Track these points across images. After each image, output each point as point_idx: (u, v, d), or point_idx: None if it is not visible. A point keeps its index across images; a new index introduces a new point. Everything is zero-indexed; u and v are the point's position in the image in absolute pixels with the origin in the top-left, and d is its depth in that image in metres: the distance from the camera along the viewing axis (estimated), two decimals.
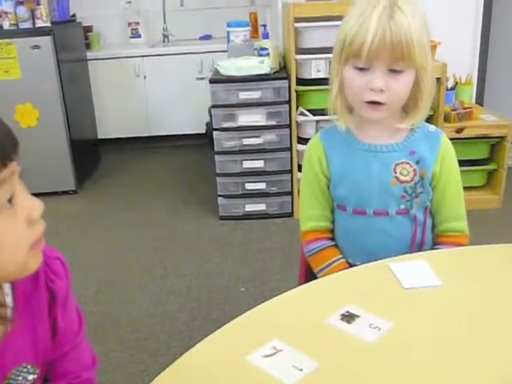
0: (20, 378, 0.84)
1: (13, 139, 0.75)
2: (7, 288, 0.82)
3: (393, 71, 1.19)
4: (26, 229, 0.74)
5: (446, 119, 3.13)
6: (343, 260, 1.37)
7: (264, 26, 4.23)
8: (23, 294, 0.83)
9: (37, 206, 0.76)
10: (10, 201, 0.72)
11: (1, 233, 0.71)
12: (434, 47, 2.97)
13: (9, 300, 0.82)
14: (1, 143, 0.72)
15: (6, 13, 3.61)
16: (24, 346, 0.84)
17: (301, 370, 0.84)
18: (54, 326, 0.88)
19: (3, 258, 0.72)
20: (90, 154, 4.43)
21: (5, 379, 0.82)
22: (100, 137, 4.65)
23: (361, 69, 1.21)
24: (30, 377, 0.85)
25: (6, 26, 3.64)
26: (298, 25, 2.94)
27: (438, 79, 2.95)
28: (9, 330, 0.82)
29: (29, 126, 3.69)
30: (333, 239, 1.41)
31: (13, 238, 0.72)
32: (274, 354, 0.88)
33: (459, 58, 3.43)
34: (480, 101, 3.69)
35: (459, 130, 3.11)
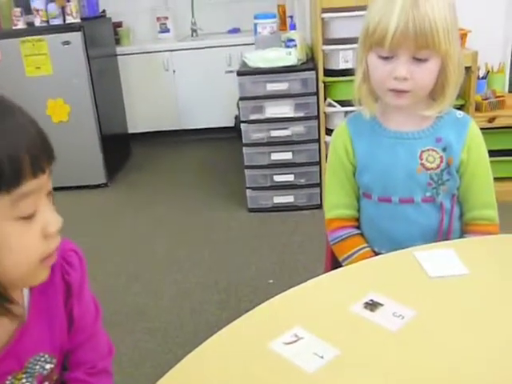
0: (37, 366, 0.85)
1: (48, 150, 0.74)
2: None
3: (417, 59, 1.17)
4: (39, 241, 0.74)
5: (478, 108, 3.06)
6: (368, 248, 1.36)
7: (291, 17, 4.20)
8: (39, 285, 0.84)
9: (55, 221, 0.75)
10: (31, 215, 0.72)
11: (13, 240, 0.71)
12: (464, 35, 2.92)
13: (25, 291, 0.84)
14: (35, 151, 0.71)
15: (38, 10, 3.68)
16: (41, 336, 0.85)
17: (322, 357, 0.84)
18: (70, 316, 0.89)
19: (12, 264, 0.72)
20: (121, 148, 4.48)
21: (22, 368, 0.83)
22: (130, 131, 4.69)
23: (385, 57, 1.19)
24: (47, 366, 0.86)
25: (38, 22, 3.71)
26: (325, 15, 2.91)
27: (469, 68, 2.89)
28: (25, 322, 0.83)
29: (60, 120, 3.74)
30: (358, 227, 1.40)
31: (24, 248, 0.72)
32: (295, 341, 0.87)
33: (491, 46, 3.34)
34: None
35: (491, 120, 3.04)
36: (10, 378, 0.82)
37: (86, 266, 0.92)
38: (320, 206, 3.25)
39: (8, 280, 0.74)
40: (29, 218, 0.72)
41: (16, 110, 0.74)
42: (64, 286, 0.87)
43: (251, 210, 3.32)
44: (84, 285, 0.92)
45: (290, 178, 3.25)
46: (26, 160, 0.70)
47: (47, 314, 0.86)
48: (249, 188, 3.30)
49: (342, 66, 2.98)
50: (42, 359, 0.85)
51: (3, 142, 0.69)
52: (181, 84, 4.63)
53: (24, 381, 0.84)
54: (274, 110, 3.13)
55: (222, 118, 4.61)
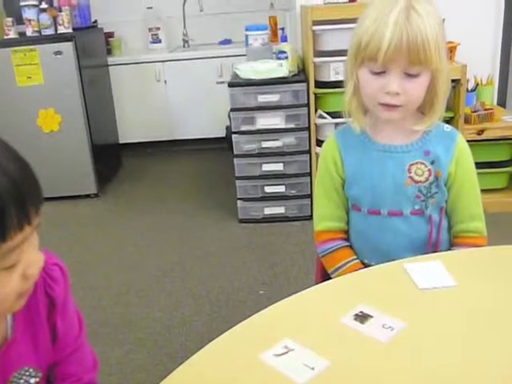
0: (22, 381, 0.84)
1: (36, 195, 0.67)
2: None
3: (409, 74, 1.19)
4: (18, 283, 0.70)
5: (467, 121, 3.09)
6: (357, 260, 1.37)
7: (282, 29, 4.23)
8: None
9: (37, 262, 0.72)
10: (14, 264, 0.68)
11: None
12: (453, 48, 2.95)
13: None
14: (21, 200, 0.64)
15: (30, 20, 3.68)
16: (25, 350, 0.84)
17: (312, 368, 0.84)
18: (54, 330, 0.88)
19: None
20: (112, 158, 4.48)
21: (6, 383, 0.82)
22: (121, 141, 4.69)
23: (376, 72, 1.20)
24: (32, 380, 0.85)
25: (30, 32, 3.71)
26: (316, 28, 2.94)
27: (458, 81, 2.92)
28: (9, 339, 0.82)
29: (51, 130, 3.73)
30: (347, 240, 1.41)
31: (3, 293, 0.69)
32: (286, 353, 0.88)
33: (480, 59, 3.39)
34: (502, 102, 3.64)
35: (480, 132, 3.07)
36: None
37: (69, 279, 0.90)
38: (311, 217, 3.24)
39: None
40: (11, 267, 0.68)
41: None
42: (47, 300, 0.86)
43: (242, 221, 3.33)
44: (68, 299, 0.90)
45: (281, 189, 3.26)
46: (10, 212, 0.62)
47: (31, 329, 0.85)
48: (240, 199, 3.30)
49: (333, 77, 3.01)
50: (27, 373, 0.84)
51: None
52: (172, 94, 4.64)
53: None
54: (265, 121, 3.15)
55: (213, 129, 4.62)
